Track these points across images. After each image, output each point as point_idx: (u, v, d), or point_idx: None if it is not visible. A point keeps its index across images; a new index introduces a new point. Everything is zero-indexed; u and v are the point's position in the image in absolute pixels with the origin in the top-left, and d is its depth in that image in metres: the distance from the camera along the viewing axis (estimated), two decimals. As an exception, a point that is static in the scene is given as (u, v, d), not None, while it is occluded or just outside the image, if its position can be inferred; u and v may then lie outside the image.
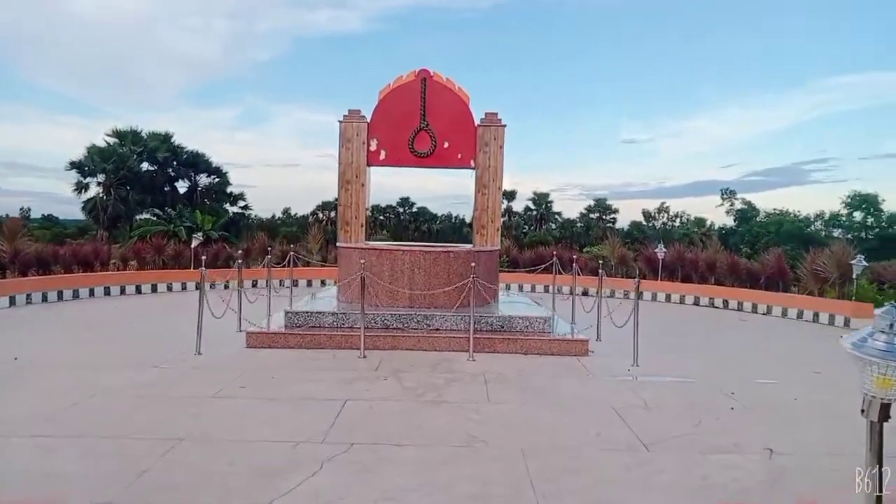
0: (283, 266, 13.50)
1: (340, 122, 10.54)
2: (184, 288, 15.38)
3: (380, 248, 9.74)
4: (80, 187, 39.07)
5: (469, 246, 10.53)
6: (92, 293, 13.79)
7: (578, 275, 11.89)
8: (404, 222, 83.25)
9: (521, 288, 17.43)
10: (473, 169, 10.68)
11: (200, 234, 16.25)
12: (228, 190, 44.55)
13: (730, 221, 77.65)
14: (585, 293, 15.21)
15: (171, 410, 5.77)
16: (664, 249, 16.01)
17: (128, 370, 7.26)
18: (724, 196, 79.94)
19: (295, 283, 16.66)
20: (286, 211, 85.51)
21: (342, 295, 10.11)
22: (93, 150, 38.83)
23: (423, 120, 10.45)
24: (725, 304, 14.65)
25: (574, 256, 18.43)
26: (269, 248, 17.37)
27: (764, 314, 13.85)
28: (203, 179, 43.99)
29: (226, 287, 14.05)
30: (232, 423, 5.44)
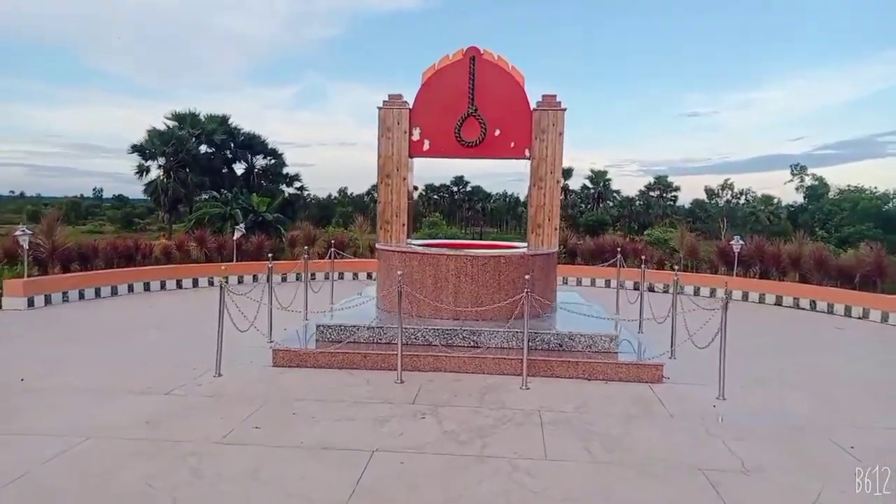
0: (329, 258, 12.51)
1: (380, 108, 9.32)
2: (225, 281, 14.62)
3: (421, 253, 8.54)
4: (142, 170, 39.46)
5: (523, 248, 9.21)
6: (131, 289, 13.19)
7: (644, 269, 10.42)
8: (458, 201, 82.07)
9: (579, 282, 15.98)
10: (528, 159, 9.32)
11: (242, 225, 15.46)
12: (284, 171, 44.31)
13: (799, 198, 73.05)
14: (651, 289, 13.70)
15: (168, 462, 4.78)
16: (741, 241, 14.22)
17: (137, 397, 6.36)
18: (794, 171, 75.20)
19: (340, 276, 15.76)
20: (342, 190, 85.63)
21: (381, 303, 9.00)
22: (153, 134, 39.06)
23: (472, 104, 9.12)
24: (813, 305, 12.83)
25: (637, 247, 16.88)
26: (310, 243, 16.49)
27: (860, 318, 12.00)
28: (259, 161, 43.91)
29: (254, 280, 13.19)
30: (232, 486, 4.39)
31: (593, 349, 7.76)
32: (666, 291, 14.50)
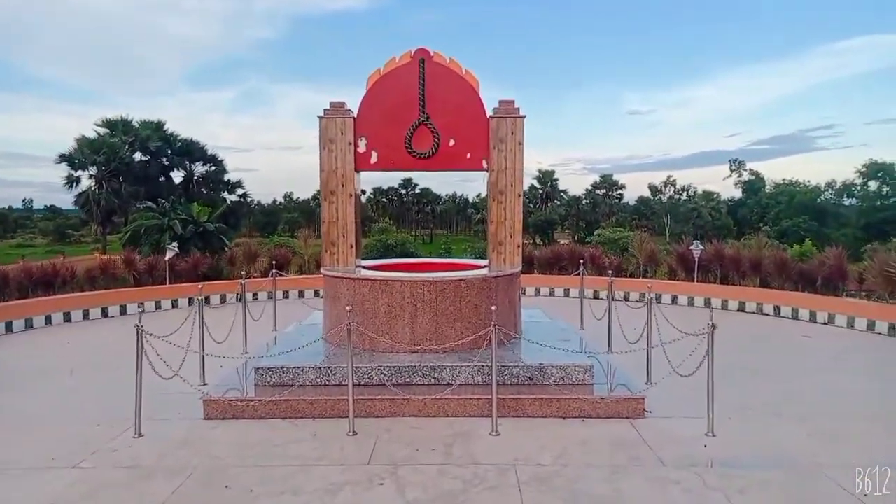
0: (273, 276, 11.42)
1: (321, 118, 8.32)
2: (157, 307, 13.29)
3: (372, 279, 7.59)
4: (71, 181, 37.04)
5: (483, 269, 8.38)
6: (49, 321, 11.72)
7: (611, 283, 9.77)
8: (407, 204, 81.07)
9: (537, 292, 15.30)
10: (486, 171, 8.50)
11: (175, 244, 14.08)
12: (226, 178, 42.34)
13: (738, 193, 75.12)
14: (614, 298, 13.10)
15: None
16: (700, 246, 13.81)
17: (36, 475, 5.21)
18: (733, 167, 77.32)
19: (285, 295, 14.63)
20: (288, 195, 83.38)
21: (329, 335, 8.02)
22: (82, 142, 36.65)
23: (423, 112, 8.23)
24: (777, 311, 12.49)
25: (595, 253, 16.34)
26: (251, 260, 15.21)
27: (825, 324, 11.69)
28: (199, 168, 41.86)
29: (189, 303, 11.95)
30: None
31: (566, 381, 6.99)
32: (626, 299, 13.99)
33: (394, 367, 6.98)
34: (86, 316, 12.29)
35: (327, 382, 6.95)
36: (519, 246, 8.51)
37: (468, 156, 8.36)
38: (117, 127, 37.93)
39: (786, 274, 13.08)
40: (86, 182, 36.94)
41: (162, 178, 40.50)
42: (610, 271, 10.85)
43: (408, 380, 6.98)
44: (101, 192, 36.79)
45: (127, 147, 37.70)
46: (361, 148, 8.34)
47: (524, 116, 8.36)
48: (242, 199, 43.49)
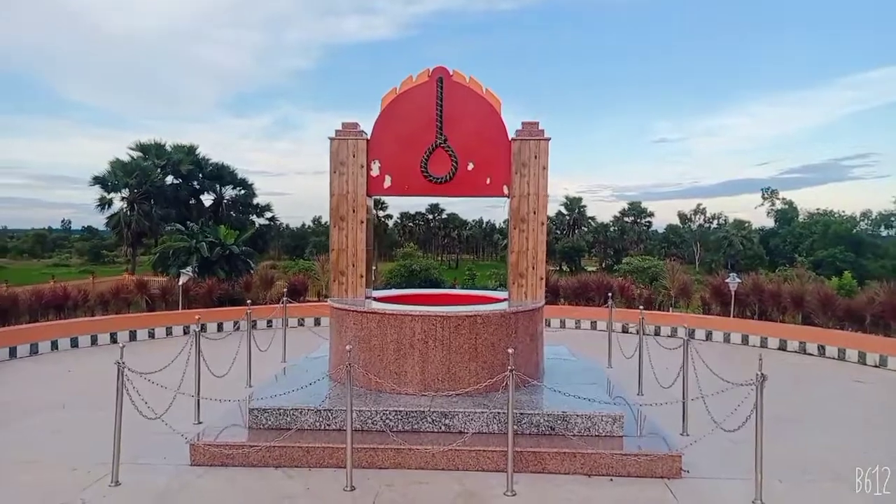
0: (284, 303, 10.87)
1: (331, 139, 7.78)
2: (168, 334, 12.82)
3: (381, 313, 6.93)
4: (104, 203, 37.36)
5: (503, 303, 7.67)
6: (55, 346, 11.29)
7: (643, 319, 8.96)
8: (434, 229, 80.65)
9: (563, 324, 14.47)
10: (507, 197, 7.84)
11: (189, 268, 13.68)
12: (255, 201, 42.45)
13: (769, 222, 73.07)
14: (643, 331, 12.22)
15: None
16: (738, 279, 12.88)
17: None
18: (765, 195, 75.41)
19: (300, 322, 14.06)
20: (316, 219, 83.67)
21: (334, 372, 7.37)
22: (116, 165, 37.02)
23: (440, 134, 7.64)
24: (822, 350, 11.47)
25: (625, 284, 15.47)
26: (267, 286, 14.64)
27: (876, 366, 10.62)
28: (229, 191, 42.06)
29: (202, 330, 11.38)
30: None
31: (593, 432, 6.20)
32: (657, 334, 13.09)
33: (400, 411, 6.28)
34: (94, 342, 11.84)
35: (328, 427, 6.27)
36: (542, 278, 7.79)
37: (488, 181, 7.72)
38: (150, 151, 38.33)
39: (831, 311, 12.05)
40: (118, 204, 37.25)
41: (192, 202, 40.74)
42: (642, 308, 10.03)
43: (416, 426, 6.27)
44: (132, 214, 37.03)
45: (159, 171, 38.02)
46: (375, 171, 7.76)
47: (549, 139, 7.71)
48: (271, 223, 43.50)
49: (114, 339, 12.06)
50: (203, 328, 7.60)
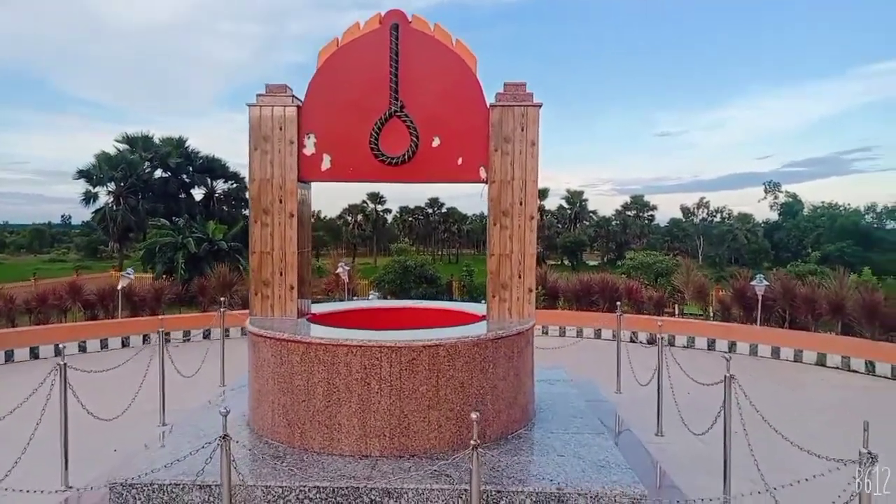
0: (222, 313, 8.89)
1: (250, 105, 5.76)
2: (103, 346, 10.81)
3: (306, 343, 4.92)
4: (88, 197, 35.50)
5: (480, 324, 5.65)
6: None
7: (661, 337, 6.93)
8: (433, 223, 78.34)
9: (562, 332, 12.44)
10: (484, 182, 5.81)
11: (131, 270, 11.71)
12: (247, 195, 40.66)
13: (773, 216, 70.72)
14: (652, 341, 10.16)
15: None
16: (764, 281, 10.83)
17: None
18: (768, 188, 73.04)
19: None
20: (315, 214, 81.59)
21: (253, 419, 5.38)
22: (101, 158, 35.09)
23: (396, 99, 5.61)
24: (870, 367, 9.41)
25: (632, 286, 13.45)
26: (226, 290, 12.43)
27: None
28: (220, 185, 40.12)
29: (143, 341, 9.13)
30: None
31: (600, 520, 4.20)
32: (671, 344, 11.04)
33: (324, 488, 4.28)
34: (8, 358, 9.84)
35: (219, 510, 4.29)
36: (531, 290, 5.76)
37: (459, 161, 5.69)
38: (137, 143, 36.38)
39: (876, 319, 9.98)
40: (104, 198, 35.39)
41: (182, 196, 38.81)
42: (661, 324, 8.02)
43: (346, 510, 4.28)
44: (118, 208, 35.20)
45: (147, 164, 36.09)
46: (309, 149, 5.74)
47: (539, 105, 5.67)
48: (263, 218, 41.61)
49: (56, 352, 9.96)
50: (64, 375, 5.60)
